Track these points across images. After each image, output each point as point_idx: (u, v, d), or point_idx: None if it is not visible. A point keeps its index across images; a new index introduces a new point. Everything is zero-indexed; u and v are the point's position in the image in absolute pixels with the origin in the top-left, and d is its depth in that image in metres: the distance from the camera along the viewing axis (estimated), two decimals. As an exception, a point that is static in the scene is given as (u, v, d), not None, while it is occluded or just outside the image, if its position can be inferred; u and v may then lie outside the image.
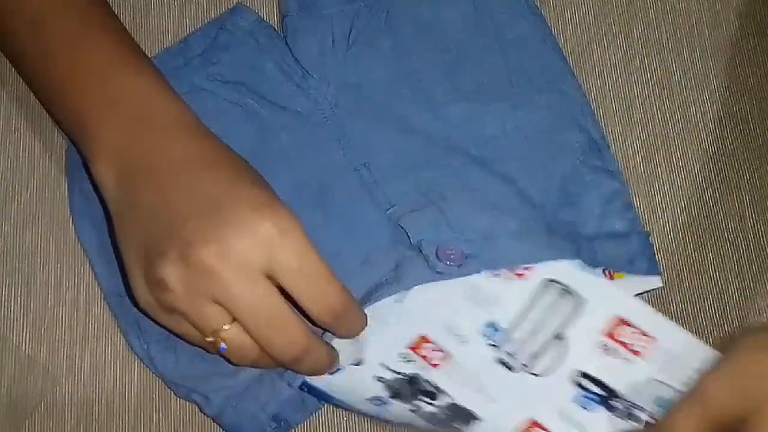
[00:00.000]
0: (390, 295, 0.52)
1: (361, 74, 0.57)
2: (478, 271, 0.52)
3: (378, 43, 0.57)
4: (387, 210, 0.54)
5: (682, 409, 0.43)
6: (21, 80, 0.58)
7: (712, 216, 0.57)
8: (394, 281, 0.52)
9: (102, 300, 0.55)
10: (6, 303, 0.55)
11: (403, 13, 0.57)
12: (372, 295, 0.52)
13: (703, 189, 0.57)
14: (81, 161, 0.54)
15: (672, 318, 0.55)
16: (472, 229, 0.53)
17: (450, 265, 0.51)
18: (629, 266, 0.53)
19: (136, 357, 0.55)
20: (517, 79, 0.56)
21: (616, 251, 0.53)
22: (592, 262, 0.52)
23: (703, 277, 0.56)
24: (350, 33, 0.57)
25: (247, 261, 0.44)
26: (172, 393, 0.54)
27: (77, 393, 0.55)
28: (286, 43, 0.57)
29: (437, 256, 0.51)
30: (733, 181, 0.58)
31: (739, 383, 0.41)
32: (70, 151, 0.56)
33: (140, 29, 0.59)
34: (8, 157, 0.57)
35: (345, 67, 0.57)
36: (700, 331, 0.56)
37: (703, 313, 0.56)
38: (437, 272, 0.51)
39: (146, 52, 0.57)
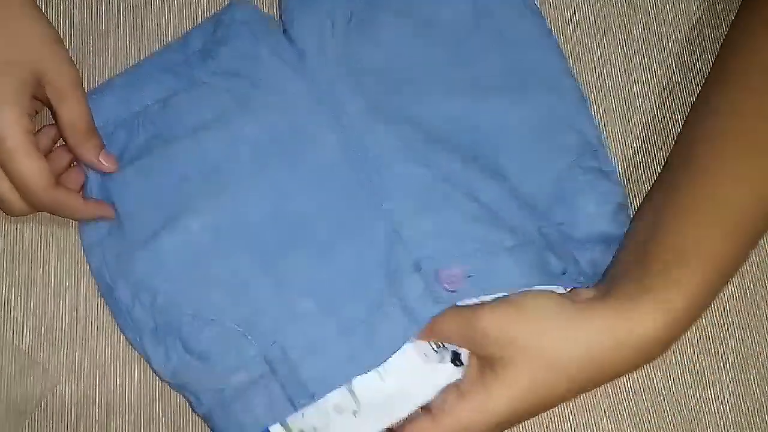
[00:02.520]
0: (398, 331, 0.52)
1: (359, 62, 0.56)
2: (475, 296, 0.51)
3: (377, 33, 0.57)
4: (382, 205, 0.54)
5: (455, 324, 0.50)
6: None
7: (712, 216, 0.57)
8: (397, 304, 0.52)
9: (102, 300, 0.55)
10: (6, 303, 0.55)
11: (403, 7, 0.57)
12: (378, 326, 0.52)
13: (703, 189, 0.57)
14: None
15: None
16: (471, 238, 0.52)
17: (448, 289, 0.51)
18: None
19: (135, 357, 0.55)
20: (516, 76, 0.56)
21: (604, 258, 0.53)
22: (577, 274, 0.53)
23: (703, 277, 0.56)
24: (350, 21, 0.57)
25: None
26: (172, 392, 0.54)
27: (77, 393, 0.55)
28: (285, 31, 0.57)
29: (437, 280, 0.51)
30: (732, 181, 0.58)
31: (501, 325, 0.48)
32: None
33: (140, 29, 0.59)
34: (8, 156, 0.57)
35: (343, 53, 0.56)
36: (699, 331, 0.56)
37: (703, 313, 0.56)
38: (436, 300, 0.51)
39: (146, 51, 0.58)
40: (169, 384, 0.53)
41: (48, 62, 0.52)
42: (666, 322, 0.47)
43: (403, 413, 0.51)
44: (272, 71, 0.56)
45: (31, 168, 0.50)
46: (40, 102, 0.54)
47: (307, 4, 0.57)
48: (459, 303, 0.51)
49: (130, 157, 0.55)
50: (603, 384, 0.49)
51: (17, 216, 0.53)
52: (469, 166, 0.55)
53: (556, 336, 0.48)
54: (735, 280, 0.56)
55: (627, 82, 0.59)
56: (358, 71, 0.56)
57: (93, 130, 0.54)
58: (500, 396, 0.48)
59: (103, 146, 0.54)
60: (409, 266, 0.52)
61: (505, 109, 0.56)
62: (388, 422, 0.52)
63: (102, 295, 0.54)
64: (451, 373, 0.51)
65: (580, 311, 0.48)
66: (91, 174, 0.55)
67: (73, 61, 0.53)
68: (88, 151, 0.53)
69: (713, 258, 0.49)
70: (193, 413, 0.54)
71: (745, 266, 0.57)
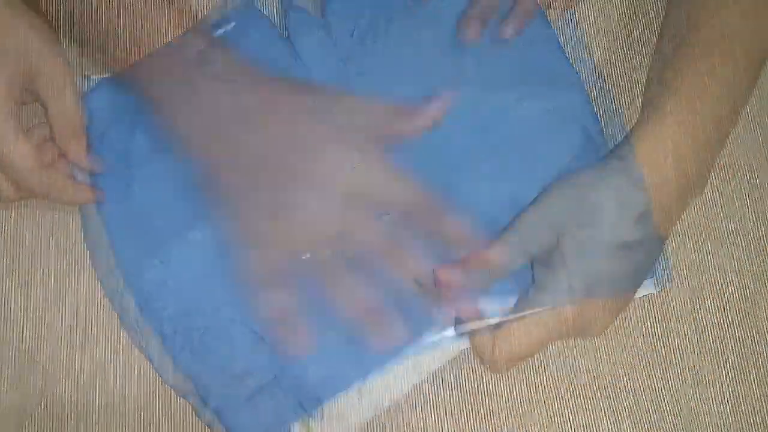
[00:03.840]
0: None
1: (363, 65, 0.57)
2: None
3: (382, 31, 0.57)
4: (381, 217, 0.54)
5: (501, 239, 0.50)
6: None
7: (712, 216, 0.57)
8: (395, 312, 0.53)
9: (102, 300, 0.55)
10: (6, 303, 0.55)
11: (406, 7, 0.57)
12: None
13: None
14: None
15: (672, 318, 0.56)
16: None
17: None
18: None
19: (135, 357, 0.55)
20: (522, 71, 0.57)
21: None
22: None
23: (703, 276, 0.56)
24: (354, 30, 0.57)
25: None
26: (173, 393, 0.54)
27: (77, 393, 0.55)
28: (289, 39, 0.57)
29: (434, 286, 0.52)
30: (733, 181, 0.58)
31: (547, 216, 0.49)
32: None
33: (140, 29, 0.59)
34: (8, 156, 0.57)
35: (347, 61, 0.57)
36: (699, 330, 0.56)
37: (703, 313, 0.56)
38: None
39: (146, 51, 0.58)
40: (174, 388, 0.53)
41: (43, 57, 0.53)
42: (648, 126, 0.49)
43: (405, 389, 0.53)
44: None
45: (18, 149, 0.51)
46: (32, 97, 0.54)
47: (311, 18, 0.57)
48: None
49: (127, 158, 0.55)
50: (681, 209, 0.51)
51: (7, 202, 0.54)
52: (466, 176, 0.55)
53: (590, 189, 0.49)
54: (735, 279, 0.57)
55: (627, 82, 0.59)
56: (362, 76, 0.56)
57: (82, 128, 0.55)
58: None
59: (86, 147, 0.55)
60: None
61: (513, 104, 0.56)
62: (391, 399, 0.53)
63: (107, 297, 0.55)
64: (450, 343, 0.52)
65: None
66: (79, 177, 0.55)
67: (68, 60, 0.54)
68: (74, 149, 0.54)
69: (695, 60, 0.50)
70: (194, 414, 0.54)
71: (745, 266, 0.57)
